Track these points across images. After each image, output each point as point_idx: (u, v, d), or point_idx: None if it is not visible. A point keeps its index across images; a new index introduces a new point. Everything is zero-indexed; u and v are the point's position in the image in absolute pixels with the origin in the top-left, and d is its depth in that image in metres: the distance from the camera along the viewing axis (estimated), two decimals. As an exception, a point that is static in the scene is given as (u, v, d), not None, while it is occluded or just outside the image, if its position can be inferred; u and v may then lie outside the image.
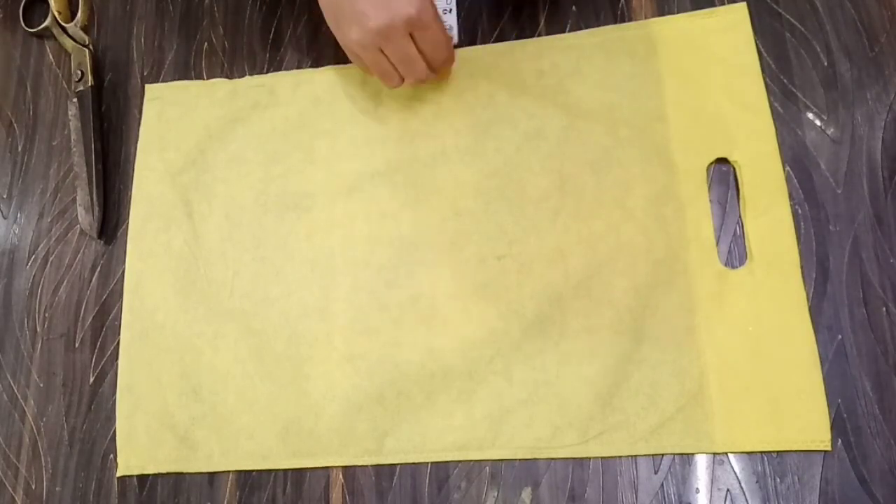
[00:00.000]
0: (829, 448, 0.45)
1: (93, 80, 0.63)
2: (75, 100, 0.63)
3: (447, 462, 0.50)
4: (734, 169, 0.51)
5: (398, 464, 0.51)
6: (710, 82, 0.53)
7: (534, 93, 0.55)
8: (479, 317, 0.51)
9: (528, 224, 0.53)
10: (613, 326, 0.49)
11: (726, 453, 0.47)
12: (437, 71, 0.53)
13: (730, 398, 0.47)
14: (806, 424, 0.46)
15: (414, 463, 0.50)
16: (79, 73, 0.63)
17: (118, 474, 0.54)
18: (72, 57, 0.64)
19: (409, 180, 0.55)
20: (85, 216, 0.60)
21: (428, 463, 0.50)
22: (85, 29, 0.66)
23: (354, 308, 0.53)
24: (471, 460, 0.50)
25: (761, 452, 0.46)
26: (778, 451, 0.46)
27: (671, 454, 0.47)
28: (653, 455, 0.47)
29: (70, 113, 0.63)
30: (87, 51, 0.64)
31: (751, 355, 0.47)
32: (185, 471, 0.53)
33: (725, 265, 0.50)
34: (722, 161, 0.52)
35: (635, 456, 0.48)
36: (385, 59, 0.52)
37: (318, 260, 0.55)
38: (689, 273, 0.49)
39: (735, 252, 0.50)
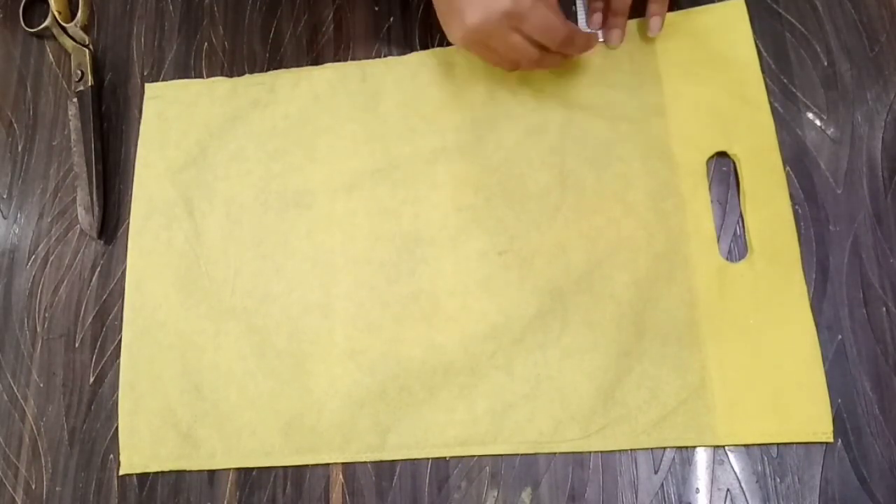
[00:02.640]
0: (830, 440, 0.45)
1: (93, 80, 0.63)
2: (75, 100, 0.63)
3: (449, 458, 0.50)
4: (734, 162, 0.52)
5: (399, 460, 0.50)
6: (709, 77, 0.53)
7: (533, 88, 0.55)
8: (481, 312, 0.51)
9: (528, 219, 0.53)
10: (615, 320, 0.49)
11: (727, 449, 0.47)
12: (565, 53, 0.52)
13: (731, 391, 0.47)
14: (808, 416, 0.46)
15: (415, 459, 0.50)
16: (79, 73, 0.63)
17: (120, 473, 0.54)
18: (72, 57, 0.64)
19: (410, 177, 0.55)
20: (85, 216, 0.60)
21: (428, 462, 0.50)
22: (85, 29, 0.66)
23: (356, 304, 0.53)
24: (472, 456, 0.50)
25: (762, 448, 0.46)
26: (780, 443, 0.46)
27: (673, 447, 0.47)
28: (654, 448, 0.47)
29: (70, 113, 0.63)
30: (87, 51, 0.64)
31: (752, 348, 0.47)
32: (187, 468, 0.53)
33: (726, 258, 0.50)
34: (722, 155, 0.52)
35: (636, 451, 0.48)
36: (493, 50, 0.51)
37: (319, 257, 0.55)
38: (690, 267, 0.50)
39: (735, 245, 0.50)
